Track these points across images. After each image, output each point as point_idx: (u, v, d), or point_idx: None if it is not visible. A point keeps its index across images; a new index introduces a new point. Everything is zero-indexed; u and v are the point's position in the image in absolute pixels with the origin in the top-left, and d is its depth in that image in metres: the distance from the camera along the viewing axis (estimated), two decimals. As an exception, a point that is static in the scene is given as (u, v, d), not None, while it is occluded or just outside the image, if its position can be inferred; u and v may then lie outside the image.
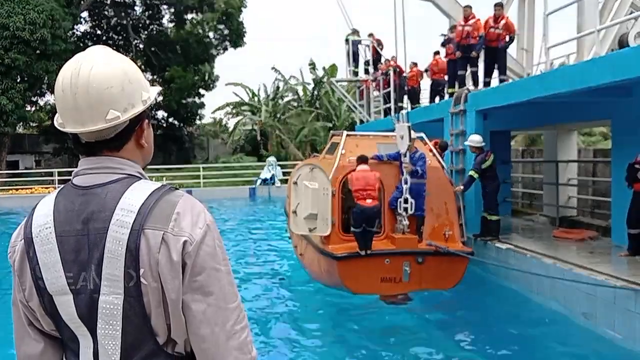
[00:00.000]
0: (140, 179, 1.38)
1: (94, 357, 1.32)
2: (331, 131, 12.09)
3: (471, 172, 9.06)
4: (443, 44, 13.20)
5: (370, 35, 17.48)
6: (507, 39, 11.01)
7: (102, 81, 1.31)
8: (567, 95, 7.63)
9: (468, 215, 9.62)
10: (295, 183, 7.67)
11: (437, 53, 14.81)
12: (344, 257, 7.33)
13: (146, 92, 1.42)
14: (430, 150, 8.86)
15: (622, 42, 8.64)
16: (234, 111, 34.45)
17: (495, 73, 11.40)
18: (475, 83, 11.39)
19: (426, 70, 15.25)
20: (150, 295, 1.27)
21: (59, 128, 1.38)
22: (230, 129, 34.03)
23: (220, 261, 1.33)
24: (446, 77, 13.77)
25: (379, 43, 17.33)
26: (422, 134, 8.98)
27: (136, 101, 1.38)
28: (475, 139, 9.15)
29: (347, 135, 8.82)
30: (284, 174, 23.40)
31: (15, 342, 1.43)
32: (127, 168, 1.37)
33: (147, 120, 1.45)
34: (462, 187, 9.04)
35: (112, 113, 1.31)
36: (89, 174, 1.35)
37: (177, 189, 1.38)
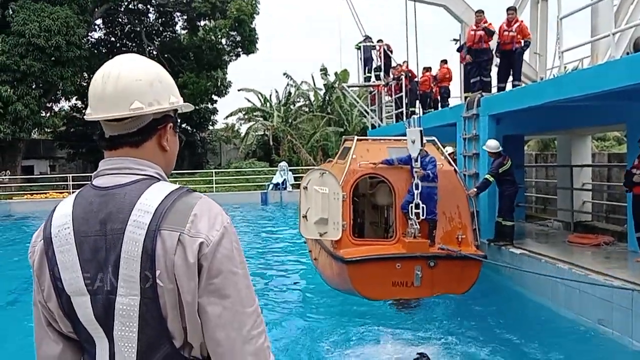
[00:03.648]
0: (160, 180, 1.38)
1: (110, 359, 1.31)
2: (344, 136, 12.13)
3: (487, 176, 8.98)
4: (459, 50, 13.17)
5: (380, 41, 17.85)
6: (522, 43, 10.89)
7: (132, 74, 1.37)
8: (581, 99, 7.54)
9: (482, 220, 9.54)
10: (306, 188, 7.64)
11: (428, 69, 16.04)
12: (354, 261, 7.27)
13: (175, 97, 1.45)
14: (442, 154, 8.80)
15: (638, 45, 8.56)
16: (246, 117, 34.61)
17: (509, 78, 11.31)
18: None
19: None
20: (167, 297, 1.26)
21: (86, 119, 1.42)
22: (243, 134, 34.18)
23: (237, 264, 1.31)
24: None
25: (388, 48, 17.58)
26: (434, 138, 8.95)
27: (163, 99, 1.41)
28: (492, 145, 9.07)
29: (358, 140, 8.83)
30: (296, 179, 23.46)
31: (36, 343, 1.43)
32: (147, 169, 1.38)
33: (172, 125, 1.46)
34: (475, 190, 8.98)
35: (137, 104, 1.35)
36: (109, 174, 1.36)
37: (194, 191, 1.37)
